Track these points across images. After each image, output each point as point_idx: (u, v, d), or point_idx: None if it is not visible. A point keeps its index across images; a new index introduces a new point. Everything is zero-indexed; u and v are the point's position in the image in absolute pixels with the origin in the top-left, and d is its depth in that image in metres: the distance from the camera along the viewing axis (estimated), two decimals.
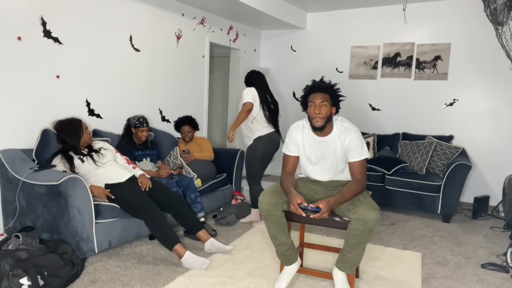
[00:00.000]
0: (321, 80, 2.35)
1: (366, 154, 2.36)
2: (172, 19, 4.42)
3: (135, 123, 3.52)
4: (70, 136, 2.99)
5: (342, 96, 2.37)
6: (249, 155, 3.75)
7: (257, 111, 3.61)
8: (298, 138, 2.44)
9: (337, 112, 2.35)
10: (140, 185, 3.06)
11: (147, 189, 3.05)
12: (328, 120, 2.29)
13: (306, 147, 2.43)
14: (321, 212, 2.15)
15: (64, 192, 2.57)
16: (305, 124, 2.43)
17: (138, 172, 3.22)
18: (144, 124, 3.52)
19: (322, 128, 2.29)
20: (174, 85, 4.58)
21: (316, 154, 2.41)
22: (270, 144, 3.70)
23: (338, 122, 2.38)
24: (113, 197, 2.87)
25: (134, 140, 3.58)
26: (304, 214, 2.19)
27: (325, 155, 2.39)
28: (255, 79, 3.78)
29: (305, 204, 2.20)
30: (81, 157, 2.99)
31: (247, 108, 3.56)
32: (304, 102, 2.36)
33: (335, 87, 2.34)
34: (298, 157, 2.48)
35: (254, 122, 3.64)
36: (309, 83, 2.39)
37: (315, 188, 2.50)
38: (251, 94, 3.62)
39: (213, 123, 6.72)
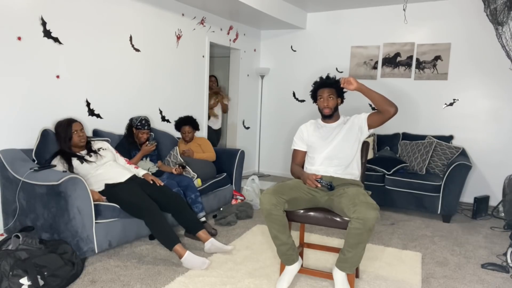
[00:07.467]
0: (327, 77, 2.69)
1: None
2: (172, 19, 4.42)
3: (136, 124, 3.54)
4: (60, 139, 3.00)
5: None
6: None
7: None
8: (304, 133, 2.73)
9: (342, 102, 2.71)
10: (151, 183, 3.13)
11: (162, 184, 3.14)
12: (335, 110, 2.67)
13: (315, 134, 2.68)
14: (347, 78, 2.47)
15: (64, 192, 2.57)
16: (316, 121, 2.75)
17: (141, 172, 3.23)
18: (145, 127, 3.54)
19: (331, 116, 2.66)
20: (174, 85, 4.58)
21: (322, 137, 2.65)
22: None
23: (343, 116, 2.75)
24: (104, 198, 2.88)
25: (135, 139, 3.59)
26: (319, 185, 2.44)
27: (331, 137, 2.62)
28: None
29: (319, 176, 2.48)
30: (80, 157, 2.99)
31: None
32: (314, 96, 2.72)
33: (339, 82, 2.63)
34: (305, 152, 2.73)
35: None
36: (317, 79, 2.73)
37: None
38: None
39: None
